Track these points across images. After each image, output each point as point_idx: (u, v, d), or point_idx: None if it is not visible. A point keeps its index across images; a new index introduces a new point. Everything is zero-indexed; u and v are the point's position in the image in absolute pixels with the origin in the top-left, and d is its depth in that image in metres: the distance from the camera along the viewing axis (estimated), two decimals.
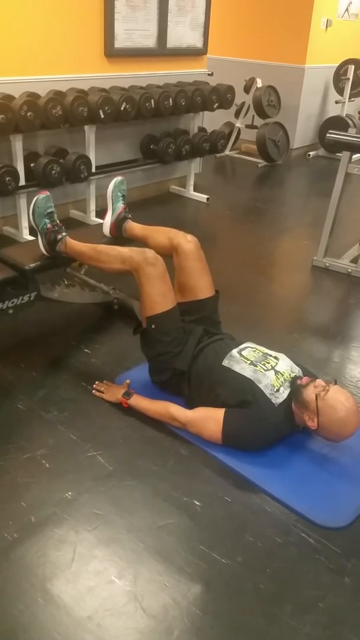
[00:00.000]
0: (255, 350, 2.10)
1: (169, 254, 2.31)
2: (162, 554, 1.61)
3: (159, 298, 2.12)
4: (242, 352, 2.08)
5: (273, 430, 1.97)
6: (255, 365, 2.01)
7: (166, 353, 2.14)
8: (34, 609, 1.44)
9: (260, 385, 1.94)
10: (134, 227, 2.53)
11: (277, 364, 2.04)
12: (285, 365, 2.06)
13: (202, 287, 2.29)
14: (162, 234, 2.40)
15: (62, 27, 3.60)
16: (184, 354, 2.13)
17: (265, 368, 2.00)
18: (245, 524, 1.73)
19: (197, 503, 1.78)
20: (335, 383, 1.93)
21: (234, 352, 2.08)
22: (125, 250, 2.20)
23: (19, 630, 1.39)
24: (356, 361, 2.66)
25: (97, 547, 1.61)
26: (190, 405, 2.11)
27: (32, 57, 3.50)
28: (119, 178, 2.62)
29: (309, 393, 1.89)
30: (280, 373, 2.01)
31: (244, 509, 1.78)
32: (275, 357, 2.08)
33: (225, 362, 2.04)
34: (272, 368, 2.01)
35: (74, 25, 3.66)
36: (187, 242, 2.30)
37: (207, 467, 1.93)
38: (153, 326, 2.13)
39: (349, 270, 3.56)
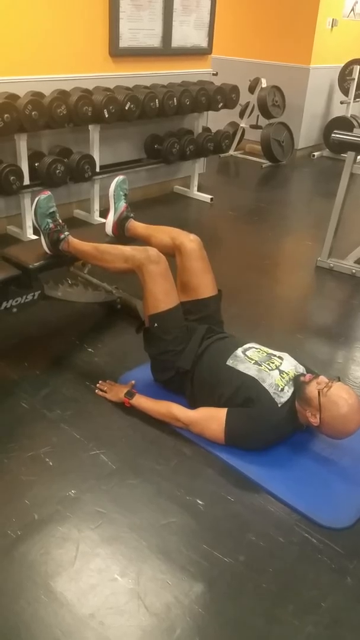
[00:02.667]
0: (259, 351, 2.10)
1: (171, 253, 2.31)
2: (164, 552, 1.61)
3: (161, 296, 2.12)
4: (247, 352, 2.08)
5: (276, 430, 1.97)
6: (260, 365, 2.01)
7: (168, 351, 2.14)
8: (36, 606, 1.44)
9: (265, 385, 1.94)
10: (137, 227, 2.53)
11: (281, 363, 2.04)
12: (290, 364, 2.06)
13: (205, 286, 2.29)
14: (164, 233, 2.40)
15: (67, 27, 3.61)
16: (187, 352, 2.13)
17: (269, 368, 2.00)
18: (248, 523, 1.73)
19: (199, 502, 1.79)
20: (339, 380, 1.93)
21: (239, 351, 2.08)
22: (128, 249, 2.21)
23: (21, 628, 1.39)
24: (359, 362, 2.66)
25: (99, 545, 1.62)
26: (192, 404, 2.11)
27: (36, 56, 3.51)
28: (120, 177, 2.62)
29: (312, 389, 1.90)
30: (285, 372, 2.01)
31: (247, 509, 1.78)
32: (280, 357, 2.08)
33: (229, 362, 2.04)
34: (277, 367, 2.01)
35: (78, 24, 3.67)
36: (189, 241, 2.30)
37: (210, 467, 1.93)
38: (156, 324, 2.13)
39: (353, 271, 3.55)
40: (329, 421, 1.87)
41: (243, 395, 1.96)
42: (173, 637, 1.40)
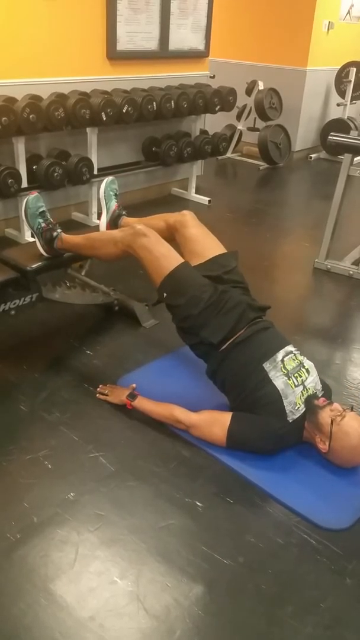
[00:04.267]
0: (294, 358, 2.02)
1: (169, 237, 2.28)
2: (164, 554, 1.61)
3: (161, 262, 2.06)
4: (285, 359, 1.99)
5: (278, 442, 1.96)
6: (288, 378, 1.95)
7: (188, 317, 2.04)
8: (36, 609, 1.44)
9: (285, 401, 1.91)
10: (129, 221, 2.51)
11: (307, 378, 1.99)
12: (313, 380, 2.01)
13: (213, 247, 2.24)
14: (158, 219, 2.39)
15: (65, 30, 3.61)
16: (217, 324, 2.01)
17: (295, 383, 1.95)
18: (247, 525, 1.73)
19: (198, 504, 1.79)
20: (352, 409, 1.92)
21: (279, 356, 1.99)
22: (115, 232, 2.22)
23: (21, 631, 1.39)
24: (357, 363, 2.66)
25: (99, 548, 1.62)
26: (212, 379, 2.09)
27: (34, 59, 3.52)
28: (109, 178, 2.64)
29: (325, 416, 1.88)
30: (307, 389, 1.97)
31: (246, 510, 1.79)
32: (307, 370, 2.02)
33: (266, 365, 1.96)
34: (302, 383, 1.96)
35: (76, 27, 3.68)
36: (182, 215, 2.31)
37: (209, 469, 1.93)
38: (165, 294, 2.07)
39: (351, 272, 3.56)
40: (338, 450, 1.87)
41: (261, 401, 1.93)
42: (173, 639, 1.40)
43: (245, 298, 2.13)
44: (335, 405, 1.92)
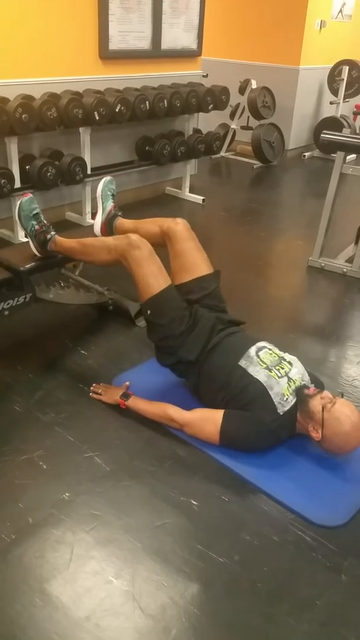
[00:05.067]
0: (271, 353, 2.07)
1: (162, 242, 2.29)
2: (159, 553, 1.61)
3: (150, 280, 2.09)
4: (259, 353, 2.04)
5: (273, 436, 1.96)
6: (270, 370, 1.98)
7: (168, 337, 2.09)
8: (32, 609, 1.44)
9: (271, 393, 1.92)
10: (124, 223, 2.52)
11: (290, 370, 2.01)
12: (298, 372, 2.03)
13: (199, 265, 2.26)
14: (151, 223, 2.39)
15: (57, 29, 3.61)
16: (192, 343, 2.08)
17: (279, 374, 1.97)
18: (242, 523, 1.74)
19: (194, 503, 1.79)
20: (342, 396, 1.93)
21: (252, 352, 2.04)
22: (110, 240, 2.21)
23: (17, 631, 1.39)
24: (352, 360, 2.67)
25: (94, 548, 1.62)
26: (195, 394, 2.10)
27: (26, 59, 3.51)
28: (107, 177, 2.63)
29: (315, 404, 1.89)
30: (293, 380, 1.98)
31: (241, 508, 1.79)
32: (290, 362, 2.05)
33: (242, 362, 2.01)
34: (286, 374, 1.99)
35: (68, 27, 3.67)
36: (176, 224, 2.30)
37: (204, 467, 1.93)
38: (149, 312, 2.10)
39: (344, 270, 3.57)
40: (331, 437, 1.88)
41: (247, 398, 1.95)
42: (169, 638, 1.40)
43: (214, 314, 2.18)
44: (326, 393, 1.93)
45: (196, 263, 2.26)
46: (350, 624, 1.47)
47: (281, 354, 2.09)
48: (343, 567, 1.61)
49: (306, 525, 1.73)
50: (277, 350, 2.10)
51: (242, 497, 1.83)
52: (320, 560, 1.63)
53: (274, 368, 2.00)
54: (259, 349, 2.06)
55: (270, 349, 2.09)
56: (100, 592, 1.49)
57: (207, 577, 1.56)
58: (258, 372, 1.98)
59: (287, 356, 2.09)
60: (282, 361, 2.04)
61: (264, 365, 2.00)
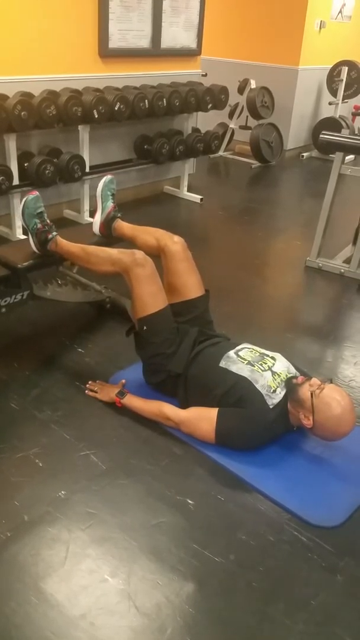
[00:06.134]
0: (252, 351, 2.10)
1: (156, 254, 2.31)
2: (155, 552, 1.61)
3: (149, 299, 2.12)
4: (239, 353, 2.08)
5: (266, 431, 1.97)
6: (253, 365, 2.01)
7: (159, 354, 2.14)
8: (27, 607, 1.44)
9: (257, 386, 1.94)
10: (123, 226, 2.53)
11: (274, 364, 2.04)
12: (282, 365, 2.06)
13: (191, 287, 2.29)
14: (149, 234, 2.41)
15: (57, 27, 3.60)
16: (178, 356, 2.13)
17: (262, 368, 2.00)
18: (238, 522, 1.74)
19: (190, 502, 1.79)
20: (331, 382, 1.94)
21: (231, 353, 2.08)
22: (114, 252, 2.21)
23: (12, 629, 1.39)
24: (349, 360, 2.67)
25: (90, 546, 1.61)
26: (184, 406, 2.11)
27: (26, 56, 3.50)
28: (108, 177, 2.62)
29: (305, 391, 1.90)
30: (277, 374, 2.00)
31: (237, 508, 1.79)
32: (272, 358, 2.08)
33: (222, 364, 2.04)
34: (269, 368, 2.01)
35: (68, 25, 3.66)
36: (173, 243, 2.31)
37: (201, 466, 1.93)
38: (145, 328, 2.13)
39: (342, 270, 3.57)
40: (322, 423, 1.88)
41: (235, 395, 1.96)
42: (164, 637, 1.40)
43: (196, 328, 2.22)
44: (314, 379, 1.94)
45: (187, 285, 2.29)
46: (346, 623, 1.47)
47: (263, 351, 2.12)
48: (339, 567, 1.62)
49: (302, 526, 1.73)
50: (258, 349, 2.13)
51: (239, 497, 1.83)
52: (316, 560, 1.63)
53: (257, 363, 2.02)
54: (239, 350, 2.10)
55: (250, 348, 2.12)
56: (95, 590, 1.49)
57: (203, 576, 1.55)
58: (241, 369, 2.00)
59: (270, 353, 2.12)
60: (265, 357, 2.07)
61: (246, 362, 2.02)
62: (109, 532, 1.66)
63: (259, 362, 2.03)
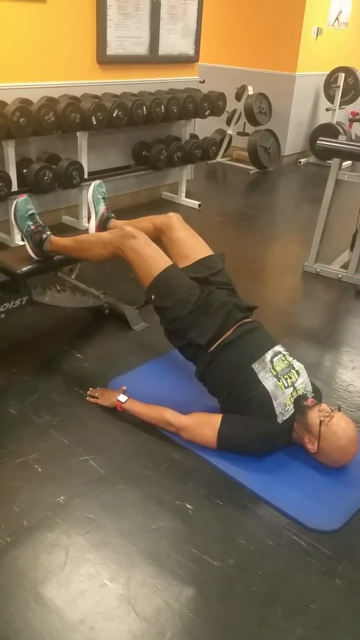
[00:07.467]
0: (284, 359, 2.03)
1: (157, 239, 2.29)
2: (154, 557, 1.61)
3: (149, 264, 2.08)
4: (274, 360, 2.00)
5: (269, 443, 1.97)
6: (278, 380, 1.95)
7: (175, 319, 2.06)
8: (26, 612, 1.44)
9: (274, 403, 1.91)
10: (118, 224, 2.54)
11: (297, 379, 2.00)
12: (303, 382, 2.02)
13: (198, 249, 2.25)
14: (145, 221, 2.41)
15: (55, 34, 3.62)
16: (205, 325, 2.04)
17: (285, 384, 1.95)
18: (237, 526, 1.74)
19: (189, 506, 1.79)
20: (339, 409, 1.94)
21: (268, 356, 2.00)
22: (104, 234, 2.23)
23: (11, 634, 1.39)
24: (347, 365, 2.68)
25: (89, 551, 1.62)
26: (201, 380, 2.09)
27: (24, 63, 3.52)
28: (96, 182, 2.65)
29: (313, 416, 1.89)
30: (296, 390, 1.98)
31: (236, 512, 1.79)
32: (297, 372, 2.03)
33: (255, 365, 1.97)
34: (292, 385, 1.97)
35: (66, 32, 3.68)
36: (168, 217, 2.32)
37: (199, 471, 1.93)
38: (153, 297, 2.09)
39: (340, 275, 3.59)
40: (327, 451, 1.89)
41: (249, 401, 1.94)
42: None
43: (231, 299, 2.15)
44: (324, 406, 1.93)
45: (195, 248, 2.25)
46: (345, 627, 1.47)
47: (291, 359, 2.06)
48: (337, 571, 1.62)
49: (301, 530, 1.74)
50: (288, 356, 2.06)
51: (237, 501, 1.83)
52: (315, 565, 1.63)
53: (282, 377, 1.97)
54: (275, 354, 2.02)
55: (283, 355, 2.04)
56: (94, 595, 1.49)
57: (202, 580, 1.56)
58: (267, 380, 1.95)
59: (296, 363, 2.06)
60: (292, 369, 2.02)
61: (274, 373, 1.97)
62: (108, 536, 1.67)
63: (285, 376, 1.97)
